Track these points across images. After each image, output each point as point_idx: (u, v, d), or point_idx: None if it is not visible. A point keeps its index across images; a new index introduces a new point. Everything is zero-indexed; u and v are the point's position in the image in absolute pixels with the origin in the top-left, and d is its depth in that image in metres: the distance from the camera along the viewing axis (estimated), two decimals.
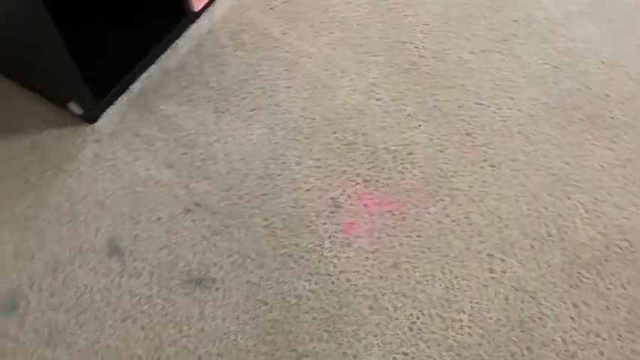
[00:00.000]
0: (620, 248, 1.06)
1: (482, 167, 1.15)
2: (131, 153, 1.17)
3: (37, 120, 1.21)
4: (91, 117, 1.20)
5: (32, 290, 1.02)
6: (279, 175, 1.15)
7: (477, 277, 1.04)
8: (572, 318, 1.00)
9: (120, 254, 1.05)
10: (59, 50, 1.05)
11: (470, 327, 0.99)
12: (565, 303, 1.01)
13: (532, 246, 1.07)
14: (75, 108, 1.19)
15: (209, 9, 1.39)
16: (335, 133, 1.20)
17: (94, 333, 0.98)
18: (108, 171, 1.15)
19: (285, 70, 1.30)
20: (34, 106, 1.23)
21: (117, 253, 1.05)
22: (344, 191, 1.13)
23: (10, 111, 1.22)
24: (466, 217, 1.09)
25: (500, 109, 1.23)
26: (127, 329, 0.98)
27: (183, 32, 1.35)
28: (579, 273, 1.04)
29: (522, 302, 1.01)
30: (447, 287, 1.03)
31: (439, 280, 1.03)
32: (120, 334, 0.97)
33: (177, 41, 1.33)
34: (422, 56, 1.31)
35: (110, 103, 1.23)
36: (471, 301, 1.01)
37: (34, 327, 0.98)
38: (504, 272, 1.04)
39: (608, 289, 1.02)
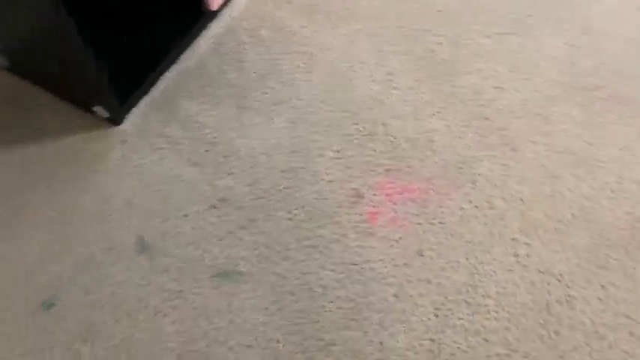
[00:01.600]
0: None
1: (503, 151, 1.15)
2: (156, 152, 1.20)
3: (65, 124, 1.25)
4: (116, 119, 1.24)
5: (68, 287, 1.06)
6: (302, 167, 1.17)
7: (502, 261, 1.04)
8: (600, 299, 0.99)
9: (149, 251, 1.08)
10: (84, 58, 1.08)
11: (496, 312, 0.99)
12: (592, 284, 1.01)
13: (556, 228, 1.06)
14: (101, 111, 1.22)
15: (227, 7, 1.41)
16: (355, 124, 1.21)
17: (127, 328, 1.01)
18: (134, 171, 1.18)
19: (304, 63, 1.31)
20: (62, 112, 1.27)
21: (146, 250, 1.08)
22: (366, 181, 1.14)
23: (39, 117, 1.27)
24: (488, 202, 1.09)
25: (518, 91, 1.22)
26: (159, 324, 1.01)
27: (201, 32, 1.37)
28: (606, 254, 1.03)
29: (549, 285, 1.01)
30: (472, 273, 1.03)
31: (463, 266, 1.04)
32: (152, 329, 1.01)
33: (197, 41, 1.36)
34: (438, 43, 1.31)
35: (134, 105, 1.26)
36: (496, 286, 1.02)
37: (70, 323, 1.02)
38: (529, 256, 1.04)
39: (635, 269, 1.01)
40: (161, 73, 1.30)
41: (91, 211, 1.13)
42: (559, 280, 1.01)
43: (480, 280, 1.02)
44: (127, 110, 1.26)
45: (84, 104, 1.25)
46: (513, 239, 1.06)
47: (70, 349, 1.00)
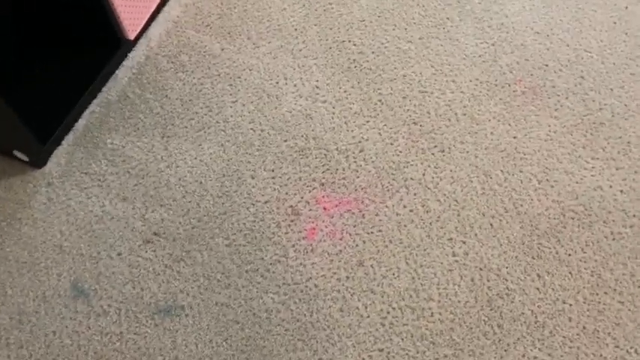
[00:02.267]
0: (576, 213, 1.09)
1: (433, 154, 1.17)
2: (83, 192, 1.16)
3: None
4: (38, 161, 1.19)
5: (0, 346, 1.00)
6: (236, 191, 1.15)
7: (441, 262, 1.05)
8: (537, 289, 1.02)
9: (85, 295, 1.04)
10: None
11: (440, 313, 1.00)
12: (529, 275, 1.03)
13: (491, 224, 1.08)
14: (21, 155, 1.17)
15: (144, 35, 1.38)
16: (286, 140, 1.21)
17: None
18: (62, 213, 1.13)
19: (229, 85, 1.30)
20: None
21: (82, 294, 1.04)
22: (302, 198, 1.13)
23: None
24: (423, 205, 1.11)
25: (443, 93, 1.24)
26: None
27: (121, 62, 1.34)
28: (539, 244, 1.06)
29: (488, 281, 1.03)
30: (413, 277, 1.04)
31: (404, 271, 1.04)
32: None
33: (116, 72, 1.32)
34: (361, 52, 1.32)
35: (56, 144, 1.22)
36: (438, 288, 1.03)
37: None
38: (467, 254, 1.06)
39: (569, 254, 1.05)
40: (82, 109, 1.26)
41: (20, 261, 1.08)
42: (497, 275, 1.03)
43: (422, 284, 1.03)
44: (50, 151, 1.21)
45: (3, 149, 1.20)
46: (450, 239, 1.07)
47: None
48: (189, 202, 1.14)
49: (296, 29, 1.37)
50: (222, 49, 1.35)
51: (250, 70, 1.31)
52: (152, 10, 1.38)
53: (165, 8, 1.43)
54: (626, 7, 1.34)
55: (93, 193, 1.16)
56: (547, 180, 1.12)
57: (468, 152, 1.16)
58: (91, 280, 1.06)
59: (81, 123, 1.25)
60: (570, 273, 1.03)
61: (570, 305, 1.00)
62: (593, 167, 1.13)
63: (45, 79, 1.27)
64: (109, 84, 1.31)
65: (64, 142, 1.23)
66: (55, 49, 1.32)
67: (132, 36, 1.34)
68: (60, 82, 1.27)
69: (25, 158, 1.17)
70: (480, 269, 1.04)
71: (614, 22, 1.32)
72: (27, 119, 1.13)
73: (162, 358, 0.98)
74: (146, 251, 1.08)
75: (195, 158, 1.20)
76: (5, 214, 1.14)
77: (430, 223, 1.09)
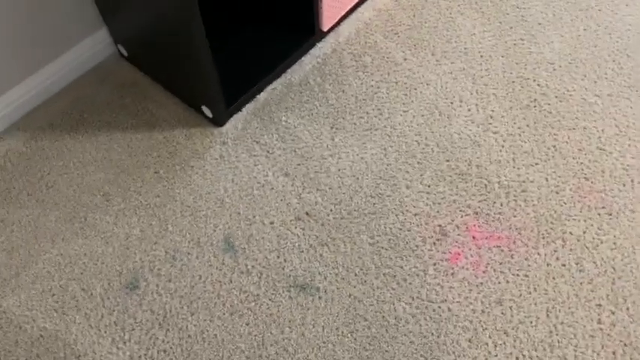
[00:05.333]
0: None
1: (599, 214, 1.12)
2: (252, 158, 1.24)
3: (172, 119, 1.31)
4: (219, 121, 1.29)
5: (152, 273, 1.10)
6: (389, 195, 1.18)
7: (584, 325, 1.01)
8: None
9: (234, 251, 1.12)
10: (203, 58, 1.14)
11: None
12: None
13: None
14: (207, 111, 1.28)
15: (336, 29, 1.45)
16: (448, 161, 1.22)
17: (203, 322, 1.04)
18: (230, 172, 1.22)
19: (404, 94, 1.33)
20: (171, 106, 1.34)
21: (231, 249, 1.12)
22: (452, 220, 1.14)
23: (150, 109, 1.34)
24: (577, 263, 1.07)
25: (622, 156, 1.19)
26: (234, 323, 1.04)
27: (309, 50, 1.42)
28: None
29: (631, 358, 0.97)
30: (551, 331, 1.00)
31: (543, 322, 1.01)
32: (227, 327, 1.03)
33: (303, 58, 1.40)
34: (544, 94, 1.30)
35: (237, 110, 1.32)
36: (575, 350, 0.99)
37: (150, 308, 1.06)
38: (614, 325, 1.00)
39: None
40: (267, 84, 1.35)
41: (185, 204, 1.18)
42: None
43: (559, 341, 0.99)
44: (231, 114, 1.31)
45: (191, 102, 1.31)
46: (599, 305, 1.02)
47: (147, 333, 1.04)
48: (344, 193, 1.18)
49: (482, 56, 1.38)
50: (405, 59, 1.39)
51: (428, 84, 1.34)
52: (348, 7, 1.45)
53: (360, 9, 1.49)
54: None
55: (260, 162, 1.24)
56: None
57: (637, 222, 1.10)
58: (242, 239, 1.13)
59: (262, 96, 1.34)
60: None
61: None
62: None
63: (243, 51, 1.37)
64: (294, 67, 1.39)
65: (244, 110, 1.33)
66: (258, 25, 1.42)
67: (325, 27, 1.41)
68: (254, 56, 1.37)
69: (210, 114, 1.28)
70: (625, 345, 0.99)
71: None
72: (222, 81, 1.23)
73: (290, 330, 1.03)
74: (296, 227, 1.14)
75: (357, 154, 1.24)
76: (181, 160, 1.25)
77: (581, 283, 1.05)
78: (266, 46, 1.39)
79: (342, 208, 1.17)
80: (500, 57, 1.37)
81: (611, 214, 1.12)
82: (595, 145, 1.21)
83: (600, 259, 1.07)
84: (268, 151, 1.25)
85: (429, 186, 1.19)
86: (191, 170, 1.23)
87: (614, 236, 1.09)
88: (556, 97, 1.29)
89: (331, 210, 1.17)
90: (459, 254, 1.09)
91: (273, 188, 1.20)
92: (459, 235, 1.12)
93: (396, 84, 1.35)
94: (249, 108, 1.33)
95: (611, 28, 1.39)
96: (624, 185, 1.15)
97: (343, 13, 1.45)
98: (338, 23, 1.46)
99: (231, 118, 1.31)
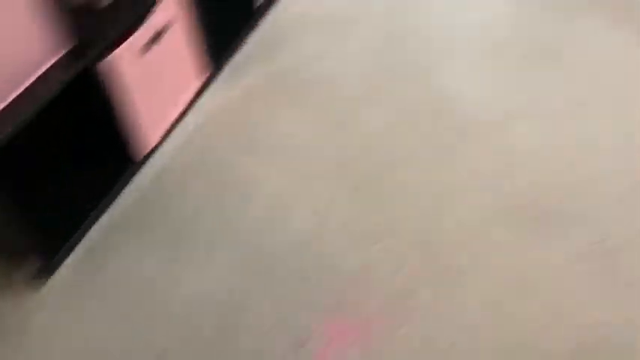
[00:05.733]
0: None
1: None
2: (85, 311, 1.13)
3: None
4: (42, 277, 1.17)
5: None
6: (241, 314, 1.12)
7: None
8: None
9: None
10: (14, 219, 1.04)
11: None
12: None
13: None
14: (26, 272, 1.16)
15: (160, 148, 1.42)
16: (293, 265, 1.19)
17: None
18: (60, 337, 1.10)
19: (238, 199, 1.31)
20: None
21: None
22: (307, 324, 1.10)
23: None
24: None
25: (458, 218, 1.24)
26: None
27: (132, 178, 1.35)
28: None
29: None
30: None
31: None
32: None
33: (126, 188, 1.34)
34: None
35: (60, 263, 1.20)
36: None
37: None
38: None
39: None
40: (87, 228, 1.26)
41: None
42: None
43: None
44: (54, 268, 1.19)
45: (9, 262, 1.18)
46: None
47: None
48: (194, 321, 1.10)
49: (304, 147, 1.40)
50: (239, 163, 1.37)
51: (262, 184, 1.33)
52: (169, 123, 1.44)
53: (186, 119, 1.48)
54: None
55: (94, 313, 1.12)
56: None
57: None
58: None
59: (85, 243, 1.25)
60: None
61: None
62: None
63: (53, 200, 1.27)
64: (118, 200, 1.32)
65: (69, 259, 1.22)
66: (64, 169, 1.33)
67: (143, 153, 1.37)
68: (68, 201, 1.27)
69: (30, 275, 1.16)
70: None
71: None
72: (37, 236, 1.12)
73: None
74: None
75: (202, 277, 1.17)
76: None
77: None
78: (79, 191, 1.30)
79: (194, 335, 1.08)
80: (325, 145, 1.41)
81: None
82: (429, 214, 1.25)
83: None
84: (102, 299, 1.15)
85: (280, 295, 1.14)
86: (18, 337, 1.08)
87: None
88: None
89: (185, 341, 1.08)
90: (325, 356, 1.05)
91: (117, 337, 1.09)
92: (317, 339, 1.08)
93: (231, 192, 1.32)
94: (74, 256, 1.22)
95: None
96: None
97: (163, 132, 1.42)
98: (160, 142, 1.43)
99: (55, 273, 1.19)
